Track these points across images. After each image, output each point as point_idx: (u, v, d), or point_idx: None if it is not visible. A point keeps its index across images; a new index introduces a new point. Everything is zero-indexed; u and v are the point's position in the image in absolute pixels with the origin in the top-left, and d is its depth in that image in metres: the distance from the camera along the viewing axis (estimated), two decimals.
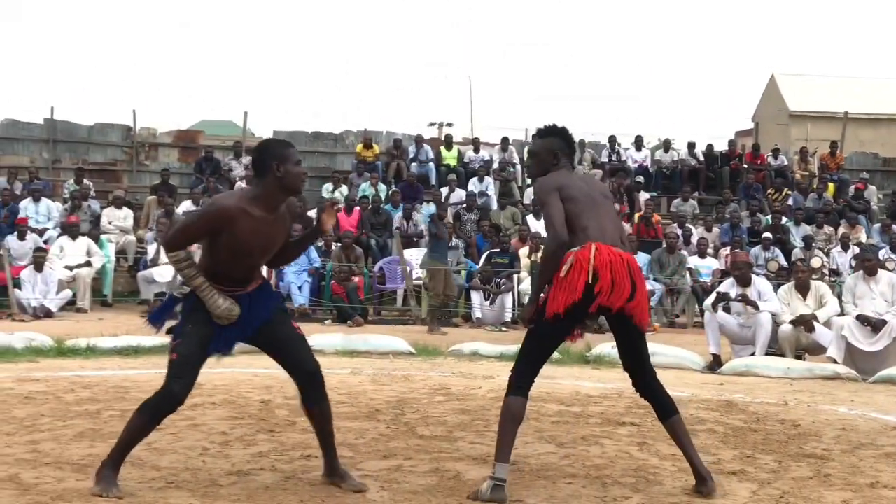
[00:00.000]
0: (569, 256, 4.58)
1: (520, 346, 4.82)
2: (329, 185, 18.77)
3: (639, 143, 21.57)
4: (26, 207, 16.10)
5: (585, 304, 4.54)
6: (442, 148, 20.97)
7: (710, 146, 21.64)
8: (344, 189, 18.39)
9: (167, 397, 4.52)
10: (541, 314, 4.64)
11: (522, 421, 4.69)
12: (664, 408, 4.85)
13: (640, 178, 19.91)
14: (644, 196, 18.92)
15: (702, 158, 21.10)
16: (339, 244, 15.30)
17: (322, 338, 10.92)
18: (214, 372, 6.62)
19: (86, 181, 17.75)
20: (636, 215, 17.84)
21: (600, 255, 4.56)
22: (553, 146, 4.94)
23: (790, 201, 19.22)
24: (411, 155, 20.32)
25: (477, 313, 14.17)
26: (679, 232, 16.38)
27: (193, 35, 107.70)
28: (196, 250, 4.96)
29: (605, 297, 4.53)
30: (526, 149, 19.49)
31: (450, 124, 33.61)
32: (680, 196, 19.52)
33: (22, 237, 14.53)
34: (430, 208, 16.91)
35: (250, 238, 4.53)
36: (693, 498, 4.79)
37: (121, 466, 4.59)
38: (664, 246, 15.35)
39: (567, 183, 4.78)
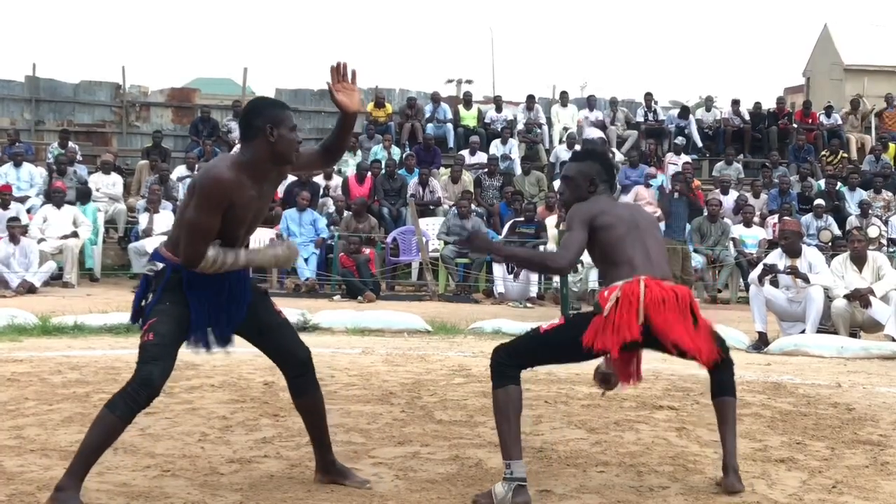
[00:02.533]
0: (612, 291, 4.48)
1: (539, 335, 4.67)
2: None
3: (684, 111, 21.33)
4: (6, 173, 16.18)
5: (640, 343, 4.50)
6: (460, 107, 20.97)
7: (756, 104, 21.56)
8: (359, 155, 18.39)
9: (145, 385, 4.17)
10: (575, 333, 4.51)
11: (521, 410, 4.59)
12: (720, 387, 4.85)
13: (681, 140, 19.83)
14: (683, 158, 18.85)
15: (747, 117, 21.00)
16: (349, 212, 15.34)
17: (331, 314, 10.98)
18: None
19: (71, 144, 17.83)
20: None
21: (650, 291, 4.46)
22: (590, 171, 4.83)
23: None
24: (427, 115, 20.32)
25: (499, 288, 14.19)
26: (722, 198, 16.33)
27: None
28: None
29: (663, 337, 4.45)
30: (563, 130, 19.51)
31: (469, 81, 33.70)
32: (723, 159, 19.44)
33: (5, 206, 14.60)
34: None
35: (243, 213, 4.31)
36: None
37: (83, 481, 4.19)
38: (705, 214, 15.31)
39: (605, 209, 4.70)
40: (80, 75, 35.27)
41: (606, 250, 4.63)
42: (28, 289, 13.25)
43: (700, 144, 20.56)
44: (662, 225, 14.75)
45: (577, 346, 4.48)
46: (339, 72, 4.47)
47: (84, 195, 15.47)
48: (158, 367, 4.20)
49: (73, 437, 5.43)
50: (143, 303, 4.41)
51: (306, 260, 14.48)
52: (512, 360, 4.58)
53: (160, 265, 4.36)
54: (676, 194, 15.33)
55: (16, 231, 13.64)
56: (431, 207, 16.71)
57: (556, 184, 17.01)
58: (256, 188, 4.32)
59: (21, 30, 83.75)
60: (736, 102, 21.26)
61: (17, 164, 16.37)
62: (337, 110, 4.50)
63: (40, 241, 14.03)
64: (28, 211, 15.08)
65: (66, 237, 14.31)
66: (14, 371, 7.47)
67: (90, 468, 4.22)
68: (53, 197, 14.81)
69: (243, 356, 8.21)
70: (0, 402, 6.34)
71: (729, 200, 16.87)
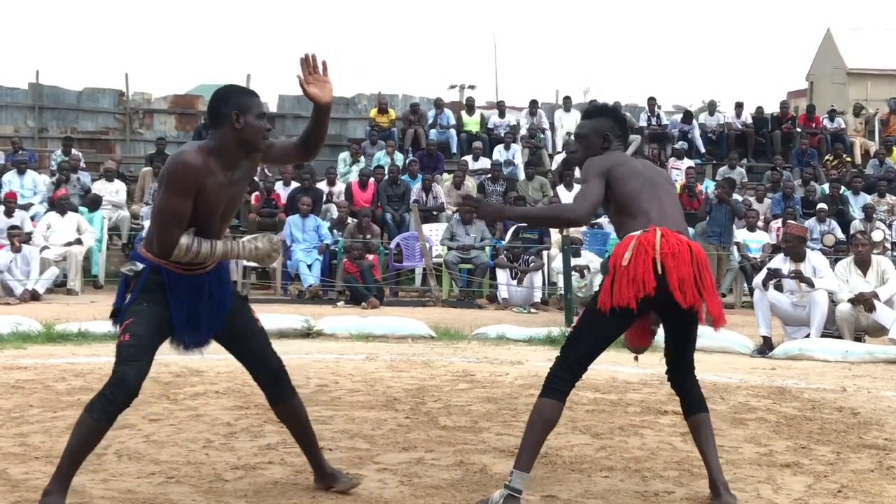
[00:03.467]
0: (629, 241, 4.42)
1: (572, 334, 4.62)
2: (346, 156, 18.77)
3: (688, 116, 21.33)
4: (10, 181, 16.20)
5: (656, 298, 4.38)
6: (463, 112, 20.96)
7: (759, 108, 21.53)
8: (362, 161, 18.41)
9: (121, 386, 4.15)
10: (593, 306, 4.49)
11: (554, 428, 4.51)
12: (694, 404, 4.73)
13: (683, 144, 19.84)
14: (686, 163, 18.85)
15: (750, 121, 21.00)
16: (353, 219, 15.35)
17: (334, 320, 10.99)
18: (218, 358, 6.65)
19: (75, 151, 17.85)
20: (678, 184, 17.81)
21: (667, 241, 4.39)
22: (603, 128, 4.80)
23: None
24: (430, 120, 20.34)
25: (503, 293, 14.17)
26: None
27: None
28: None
29: (678, 292, 4.36)
30: (567, 135, 19.49)
31: (472, 86, 33.49)
32: (726, 163, 19.44)
33: (9, 214, 14.61)
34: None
35: (211, 200, 4.25)
36: (741, 490, 4.79)
37: (69, 485, 4.20)
38: (708, 219, 15.31)
39: (621, 162, 4.66)
40: (83, 82, 35.31)
41: (623, 202, 4.57)
42: (32, 296, 13.25)
43: (703, 150, 20.55)
44: None
45: (603, 317, 4.42)
46: (308, 63, 4.42)
47: (94, 202, 15.48)
48: (133, 368, 4.18)
49: None
50: (123, 303, 4.37)
51: (310, 266, 14.47)
52: (560, 367, 4.50)
53: (140, 265, 4.33)
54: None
55: (16, 239, 13.64)
56: (435, 213, 16.72)
57: (560, 189, 17.06)
58: (226, 175, 4.29)
59: (24, 37, 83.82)
60: (739, 106, 21.23)
61: (21, 172, 16.38)
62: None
63: (44, 248, 14.03)
64: (32, 218, 15.10)
65: (69, 244, 14.31)
66: (18, 378, 7.49)
67: (75, 471, 4.21)
68: (57, 204, 14.81)
69: None
70: (4, 410, 6.35)
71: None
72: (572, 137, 5.60)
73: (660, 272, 4.34)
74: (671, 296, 4.37)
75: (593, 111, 5.00)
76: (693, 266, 4.41)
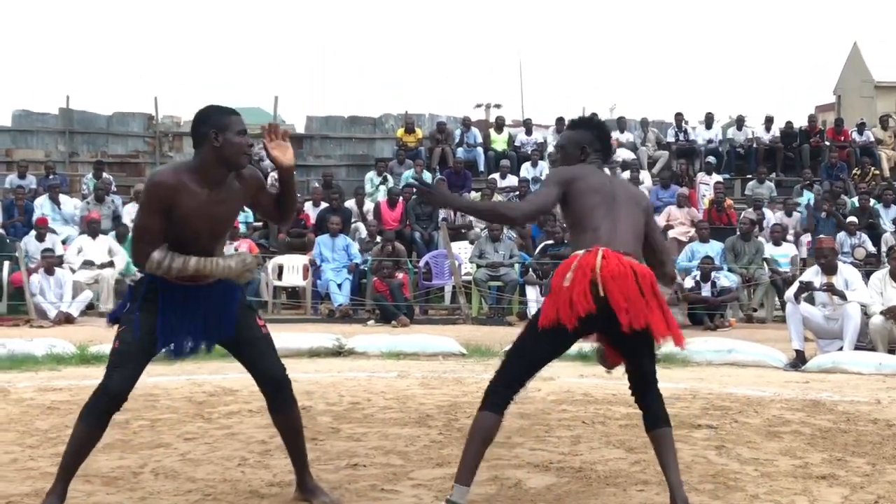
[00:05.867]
0: (572, 260, 4.42)
1: (511, 349, 4.65)
2: (373, 175, 18.83)
3: (709, 120, 21.38)
4: (42, 205, 16.33)
5: (594, 319, 4.34)
6: (491, 130, 21.01)
7: (788, 123, 21.44)
8: (390, 181, 18.46)
9: (104, 391, 4.39)
10: (534, 323, 4.52)
11: (492, 442, 4.55)
12: (656, 418, 4.68)
13: (711, 159, 19.81)
14: (715, 178, 18.81)
15: (778, 135, 20.93)
16: (381, 237, 15.40)
17: (365, 339, 11.01)
18: (251, 377, 6.68)
19: (106, 175, 17.99)
20: (706, 199, 17.77)
21: (608, 263, 4.35)
22: (582, 140, 4.82)
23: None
24: (457, 139, 20.39)
25: (532, 310, 14.15)
26: (754, 217, 16.28)
27: (218, 16, 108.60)
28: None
29: (623, 314, 4.30)
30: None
31: (497, 105, 33.72)
32: (755, 178, 19.38)
33: (41, 238, 14.74)
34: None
35: (192, 216, 4.39)
36: (776, 502, 4.78)
37: (67, 487, 4.47)
38: (738, 233, 15.27)
39: (584, 175, 4.65)
40: (113, 107, 35.60)
41: (576, 217, 4.59)
42: (65, 319, 13.35)
43: (723, 150, 20.54)
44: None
45: (542, 335, 4.44)
46: (271, 131, 4.63)
47: (121, 236, 15.39)
48: (118, 374, 4.39)
49: (115, 463, 5.48)
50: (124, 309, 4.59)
51: (339, 285, 14.52)
52: (499, 383, 4.55)
53: (140, 275, 4.60)
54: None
55: (49, 263, 13.77)
56: (463, 231, 16.74)
57: None
58: (209, 193, 4.42)
59: (55, 62, 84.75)
60: (769, 120, 21.16)
61: (53, 197, 16.48)
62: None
63: (79, 269, 14.14)
64: (64, 242, 15.21)
65: (101, 266, 14.41)
66: (54, 399, 7.54)
67: (72, 476, 4.49)
68: (89, 228, 14.91)
69: None
70: (41, 431, 6.40)
71: (770, 220, 16.77)
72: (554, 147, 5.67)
73: (601, 294, 4.31)
74: (615, 316, 4.33)
75: (577, 123, 5.02)
76: (636, 289, 4.35)
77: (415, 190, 14.80)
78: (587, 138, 4.84)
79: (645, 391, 4.70)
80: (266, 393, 4.74)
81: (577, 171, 4.70)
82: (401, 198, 17.06)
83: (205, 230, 4.47)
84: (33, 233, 14.91)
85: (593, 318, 4.34)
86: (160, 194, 4.36)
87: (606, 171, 4.97)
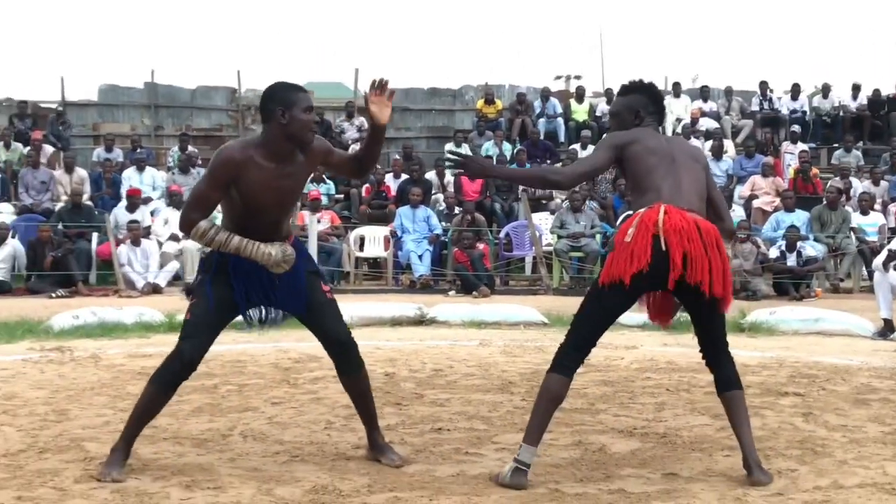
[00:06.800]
0: (633, 218, 4.43)
1: (578, 312, 4.59)
2: (452, 147, 18.81)
3: (795, 91, 20.94)
4: (130, 177, 16.60)
5: (655, 274, 4.34)
6: (572, 101, 20.87)
7: (875, 90, 20.97)
8: (466, 148, 18.43)
9: (176, 358, 4.55)
10: (595, 283, 4.53)
11: (561, 403, 4.57)
12: (727, 381, 4.65)
13: (796, 128, 19.47)
14: (800, 147, 18.49)
15: (865, 103, 20.50)
16: (460, 208, 15.42)
17: (447, 308, 11.06)
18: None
19: (191, 148, 18.23)
20: (791, 169, 17.49)
21: (670, 219, 4.35)
22: (635, 104, 4.79)
23: None
24: (537, 110, 20.30)
25: None
26: (840, 185, 15.99)
27: None
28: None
29: (689, 269, 4.31)
30: (676, 121, 19.32)
31: (577, 76, 33.31)
32: (842, 146, 19.02)
33: (133, 209, 14.99)
34: None
35: (260, 190, 4.50)
36: (866, 468, 4.71)
37: (132, 446, 4.67)
38: (824, 202, 15.02)
39: (640, 138, 4.63)
40: (196, 81, 35.96)
41: (636, 179, 4.58)
42: (153, 289, 13.59)
43: (809, 118, 20.16)
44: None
45: (603, 294, 4.44)
46: (377, 85, 4.70)
47: None
48: (189, 343, 4.56)
49: (204, 426, 5.60)
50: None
51: (420, 256, 14.57)
52: (568, 345, 4.54)
53: (208, 250, 4.72)
54: None
55: (136, 234, 14.03)
56: (544, 202, 16.69)
57: None
58: (275, 167, 4.52)
59: (140, 37, 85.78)
60: (857, 88, 20.72)
61: (140, 169, 16.77)
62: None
63: (166, 240, 14.41)
64: (151, 213, 15.48)
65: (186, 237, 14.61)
66: (143, 365, 7.68)
67: (137, 433, 4.69)
68: (175, 199, 15.14)
69: (363, 349, 8.33)
70: (132, 395, 6.51)
71: (857, 189, 16.44)
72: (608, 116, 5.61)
73: (663, 248, 4.31)
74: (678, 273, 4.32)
75: (629, 88, 4.95)
76: (700, 245, 4.34)
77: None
78: (641, 102, 4.81)
79: (715, 354, 4.67)
80: (333, 356, 4.87)
81: (631, 134, 4.69)
82: None
83: (273, 202, 4.58)
84: (122, 203, 15.18)
85: (650, 274, 4.34)
86: (227, 168, 4.48)
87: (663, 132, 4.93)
